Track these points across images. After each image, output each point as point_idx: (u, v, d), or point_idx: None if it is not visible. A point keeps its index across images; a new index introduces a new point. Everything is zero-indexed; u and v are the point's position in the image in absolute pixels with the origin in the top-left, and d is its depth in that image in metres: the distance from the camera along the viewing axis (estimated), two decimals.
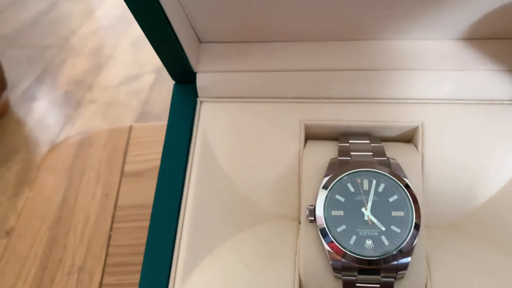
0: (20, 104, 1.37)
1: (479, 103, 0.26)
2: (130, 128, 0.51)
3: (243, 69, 0.27)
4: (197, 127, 0.27)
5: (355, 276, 0.22)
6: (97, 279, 0.36)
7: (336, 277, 0.23)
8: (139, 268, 0.30)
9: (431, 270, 0.23)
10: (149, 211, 0.41)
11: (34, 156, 1.18)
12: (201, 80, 0.27)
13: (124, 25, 1.81)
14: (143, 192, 0.42)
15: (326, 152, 0.25)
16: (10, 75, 1.39)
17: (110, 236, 0.40)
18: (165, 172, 0.26)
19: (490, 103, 0.26)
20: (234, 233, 0.25)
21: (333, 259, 0.22)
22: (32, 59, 1.59)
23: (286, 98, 0.27)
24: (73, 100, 1.38)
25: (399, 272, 0.22)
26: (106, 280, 0.36)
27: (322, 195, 0.23)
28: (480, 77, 0.25)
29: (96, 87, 1.43)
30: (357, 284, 0.22)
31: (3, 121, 1.29)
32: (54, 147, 0.50)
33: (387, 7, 0.23)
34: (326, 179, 0.24)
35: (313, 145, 0.26)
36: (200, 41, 0.28)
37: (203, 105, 0.28)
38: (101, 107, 1.34)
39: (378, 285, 0.22)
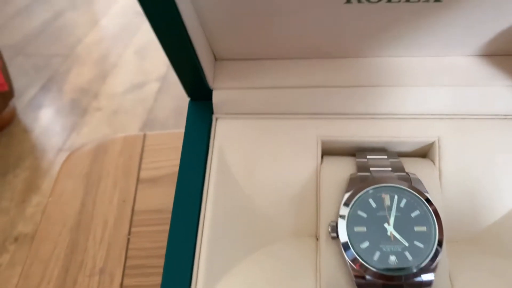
0: (27, 112, 1.39)
1: (494, 118, 0.26)
2: (144, 136, 0.53)
3: (258, 86, 0.28)
4: (213, 144, 0.27)
5: None
6: (117, 280, 0.38)
7: None
8: (158, 270, 0.32)
9: (454, 286, 0.23)
10: (165, 215, 0.42)
11: (41, 163, 1.20)
12: (217, 97, 0.28)
13: (129, 34, 1.84)
14: (159, 198, 0.44)
15: (343, 167, 0.25)
16: (16, 83, 1.41)
17: (128, 239, 0.41)
18: (182, 189, 0.26)
19: (505, 118, 0.26)
20: (252, 250, 0.25)
21: (356, 276, 0.22)
22: (38, 67, 1.61)
23: (302, 114, 0.28)
24: (79, 108, 1.40)
25: (424, 286, 0.22)
26: (126, 281, 0.38)
27: (344, 211, 0.23)
28: (495, 92, 0.26)
29: (101, 95, 1.45)
30: None
31: (10, 128, 1.31)
32: (71, 154, 0.52)
33: (404, 25, 0.24)
34: (347, 195, 0.24)
35: (331, 161, 0.26)
36: (216, 59, 0.28)
37: (219, 121, 0.28)
38: (107, 115, 1.36)
39: None
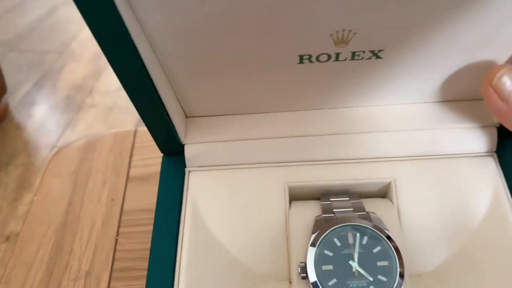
0: (20, 108, 1.37)
1: (443, 158, 0.29)
2: (135, 132, 0.51)
3: (227, 139, 0.30)
4: (187, 196, 0.29)
5: None
6: (104, 284, 0.36)
7: None
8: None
9: None
10: None
11: (34, 161, 1.18)
12: (189, 151, 0.30)
13: None
14: (150, 196, 0.42)
15: (310, 211, 0.27)
16: (9, 80, 1.39)
17: (116, 240, 0.39)
18: (157, 240, 0.27)
19: (453, 157, 0.29)
20: None
21: None
22: (32, 63, 1.59)
23: (269, 163, 0.30)
24: (73, 105, 1.38)
25: None
26: (114, 285, 0.36)
27: (312, 251, 0.25)
28: (442, 134, 0.29)
29: (96, 91, 1.43)
30: None
31: (2, 125, 1.29)
32: (59, 150, 0.50)
33: (354, 80, 0.27)
34: (313, 236, 0.25)
35: (298, 205, 0.28)
36: (186, 116, 0.31)
37: (191, 174, 0.30)
38: (102, 112, 1.33)
39: None
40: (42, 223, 0.41)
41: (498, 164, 0.28)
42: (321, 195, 0.29)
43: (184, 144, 0.30)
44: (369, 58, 0.25)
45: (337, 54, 0.25)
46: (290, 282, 0.26)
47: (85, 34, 1.79)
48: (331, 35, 0.23)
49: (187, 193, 0.29)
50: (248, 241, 0.28)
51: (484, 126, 0.29)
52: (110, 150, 0.49)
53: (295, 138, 0.30)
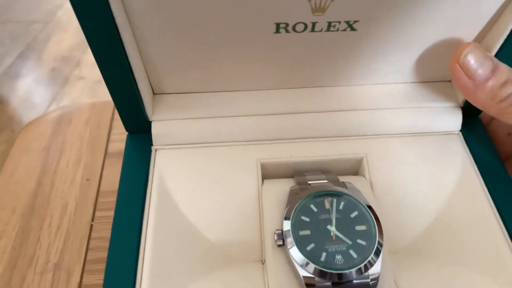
0: (3, 81, 1.30)
1: (414, 135, 0.30)
2: None
3: (197, 116, 0.29)
4: (153, 173, 0.27)
5: None
6: (76, 278, 0.31)
7: None
8: None
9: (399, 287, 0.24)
10: None
11: None
12: (156, 128, 0.28)
13: None
14: None
15: (284, 186, 0.26)
16: None
17: (91, 226, 0.34)
18: (120, 218, 0.26)
19: (423, 135, 0.30)
20: (197, 277, 0.24)
21: (306, 279, 0.22)
22: (15, 35, 1.50)
23: (241, 141, 0.29)
24: (60, 77, 1.30)
25: (372, 282, 0.22)
26: (87, 279, 0.31)
27: (287, 219, 0.24)
28: (413, 113, 0.30)
29: (84, 63, 1.36)
30: None
31: None
32: (29, 124, 0.44)
33: (329, 54, 0.27)
34: (289, 205, 0.25)
35: (271, 182, 0.28)
36: (154, 93, 0.29)
37: (158, 152, 0.29)
38: (90, 85, 1.26)
39: None
40: (5, 207, 0.35)
41: (464, 141, 0.30)
42: (295, 172, 0.29)
43: (151, 121, 0.28)
44: (344, 30, 0.25)
45: (314, 24, 0.25)
46: (263, 263, 0.25)
47: None
48: (309, 1, 0.23)
49: (153, 171, 0.28)
50: (219, 220, 0.27)
51: (450, 107, 0.30)
52: (86, 123, 0.43)
53: (267, 116, 0.29)
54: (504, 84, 0.25)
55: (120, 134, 0.41)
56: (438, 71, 0.29)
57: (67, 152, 0.40)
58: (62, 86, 1.27)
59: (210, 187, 0.28)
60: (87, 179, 0.37)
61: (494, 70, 0.25)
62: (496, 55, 0.26)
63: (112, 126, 0.42)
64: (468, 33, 0.27)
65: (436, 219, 0.27)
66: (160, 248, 0.25)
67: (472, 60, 0.25)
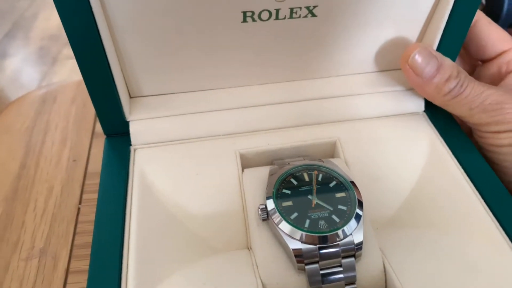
0: None
1: (382, 117, 0.32)
2: None
3: (173, 114, 0.30)
4: (133, 172, 0.28)
5: (317, 263, 0.23)
6: (63, 264, 0.29)
7: (299, 269, 0.23)
8: None
9: (385, 255, 0.24)
10: None
11: None
12: (134, 128, 0.29)
13: None
14: None
15: (264, 172, 0.27)
16: None
17: (79, 209, 0.32)
18: (102, 214, 0.25)
19: (390, 116, 0.32)
20: (182, 265, 0.24)
21: (293, 246, 0.23)
22: (1, 12, 1.46)
23: (219, 135, 0.30)
24: (48, 57, 1.27)
25: (356, 248, 0.23)
26: (74, 265, 0.29)
27: (270, 191, 0.25)
28: (379, 98, 0.32)
29: None
30: (321, 272, 0.23)
31: None
32: (11, 103, 0.42)
33: (295, 43, 0.29)
34: (270, 181, 0.26)
35: (251, 170, 0.28)
36: (130, 96, 0.30)
37: (137, 151, 0.29)
38: None
39: (341, 268, 0.23)
40: None
41: (428, 119, 0.32)
42: (274, 159, 0.30)
43: (128, 122, 0.29)
44: (306, 16, 0.27)
45: (277, 11, 0.26)
46: (249, 249, 0.26)
47: None
48: None
49: (134, 170, 0.28)
50: (201, 208, 0.27)
51: (413, 90, 0.32)
52: (72, 101, 0.41)
53: (243, 109, 0.30)
54: (448, 80, 0.28)
55: None
56: (398, 60, 0.30)
57: (52, 132, 0.38)
58: (51, 65, 1.24)
59: (191, 179, 0.28)
60: (74, 160, 0.36)
61: (438, 68, 0.28)
62: (438, 48, 0.29)
63: None
64: (417, 30, 0.30)
65: (412, 190, 0.29)
66: (143, 240, 0.24)
67: (419, 59, 0.28)
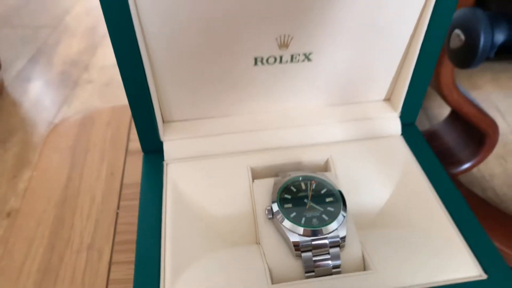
0: (15, 85, 1.35)
1: (366, 139, 0.38)
2: None
3: (197, 135, 0.37)
4: (166, 181, 0.34)
5: (311, 251, 0.29)
6: (106, 256, 0.36)
7: (297, 256, 0.29)
8: None
9: (364, 246, 0.31)
10: None
11: (32, 137, 1.17)
12: (167, 146, 0.36)
13: None
14: None
15: (270, 182, 0.34)
16: (3, 56, 1.37)
17: (117, 214, 0.39)
18: (144, 214, 0.32)
19: (373, 138, 0.38)
20: (205, 254, 0.31)
21: (293, 239, 0.29)
22: (26, 39, 1.56)
23: (234, 152, 0.37)
24: (69, 81, 1.36)
25: (341, 240, 0.29)
26: (116, 257, 0.36)
27: (275, 196, 0.31)
28: (363, 123, 0.38)
29: (92, 67, 1.41)
30: (313, 258, 0.29)
31: None
32: (56, 126, 0.49)
33: (296, 82, 0.36)
34: (274, 189, 0.32)
35: (260, 181, 0.34)
36: (163, 121, 0.37)
37: (169, 165, 0.36)
38: (98, 87, 1.32)
39: (329, 256, 0.29)
40: (41, 198, 0.41)
41: (405, 141, 0.38)
42: (278, 172, 0.35)
43: (162, 141, 0.36)
44: (303, 61, 0.34)
45: (281, 57, 0.33)
46: (258, 243, 0.32)
47: (79, 8, 1.75)
48: (276, 38, 0.32)
49: (167, 180, 0.34)
50: (220, 210, 0.33)
51: (392, 117, 0.38)
52: (107, 124, 0.48)
53: (254, 132, 0.37)
54: None
55: None
56: (381, 93, 0.38)
57: (92, 151, 0.45)
58: (72, 89, 1.32)
59: (212, 187, 0.34)
60: (111, 174, 0.43)
61: None
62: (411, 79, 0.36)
63: (131, 127, 0.47)
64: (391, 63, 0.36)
65: (387, 201, 0.35)
66: (176, 235, 0.31)
67: None
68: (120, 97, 1.26)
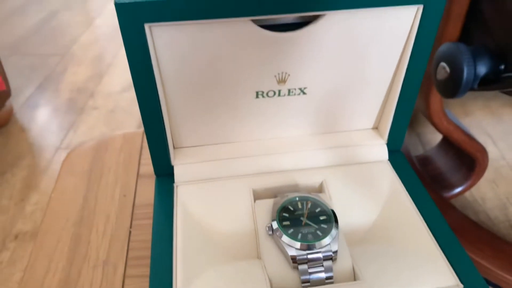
0: (24, 111, 1.40)
1: (356, 164, 0.42)
2: (143, 133, 0.55)
3: (204, 160, 0.41)
4: (177, 201, 0.38)
5: (306, 263, 0.32)
6: (120, 271, 0.39)
7: (294, 268, 0.32)
8: None
9: (353, 259, 0.34)
10: None
11: (39, 162, 1.21)
12: (177, 170, 0.40)
13: None
14: None
15: (270, 203, 0.37)
16: (12, 83, 1.42)
17: (130, 232, 0.43)
18: (157, 230, 0.36)
19: (363, 163, 0.42)
20: (212, 267, 0.34)
21: (290, 253, 0.32)
22: (34, 67, 1.62)
23: (238, 175, 0.40)
24: (76, 107, 1.41)
25: (333, 254, 0.32)
26: (129, 272, 0.39)
27: (274, 215, 0.35)
28: (354, 150, 0.42)
29: (98, 94, 1.46)
30: (309, 270, 0.32)
31: (7, 128, 1.32)
32: (72, 151, 0.54)
33: (293, 111, 0.40)
34: (274, 208, 0.36)
35: (261, 201, 0.38)
36: (174, 147, 0.41)
37: (179, 187, 0.40)
38: (104, 114, 1.36)
39: (323, 268, 0.32)
40: (60, 217, 0.44)
41: (391, 166, 0.42)
42: (277, 193, 0.38)
43: (173, 166, 0.40)
44: (299, 94, 0.38)
45: (279, 91, 0.38)
46: (259, 259, 0.35)
47: (86, 37, 1.82)
48: (275, 76, 0.36)
49: (177, 200, 0.38)
50: (225, 227, 0.37)
51: (379, 144, 0.43)
52: (120, 150, 0.52)
53: (255, 157, 0.41)
54: None
55: (148, 159, 0.50)
56: (369, 123, 0.43)
57: (106, 174, 0.49)
58: (78, 115, 1.37)
59: (217, 207, 0.38)
60: (124, 195, 0.46)
61: None
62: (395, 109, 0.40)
63: (142, 153, 0.51)
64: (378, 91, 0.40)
65: (375, 220, 0.38)
66: (186, 249, 0.34)
67: None
68: (124, 123, 1.31)
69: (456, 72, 0.59)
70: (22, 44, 1.76)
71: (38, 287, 0.38)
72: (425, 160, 1.05)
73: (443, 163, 1.03)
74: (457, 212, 0.95)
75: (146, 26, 0.31)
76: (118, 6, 0.30)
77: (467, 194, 1.04)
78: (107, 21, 1.95)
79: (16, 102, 1.42)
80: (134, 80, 0.34)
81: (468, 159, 0.97)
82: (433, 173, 1.02)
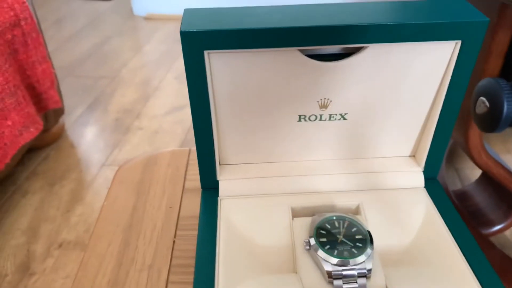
0: (74, 128, 1.49)
1: (392, 189, 0.44)
2: (189, 151, 0.58)
3: (247, 177, 0.43)
4: (220, 214, 0.41)
5: (341, 279, 0.33)
6: (164, 276, 0.42)
7: (329, 283, 0.34)
8: None
9: (387, 280, 0.35)
10: None
11: (86, 176, 1.28)
12: (222, 185, 0.43)
13: (169, 60, 1.94)
14: None
15: (307, 221, 0.39)
16: (66, 102, 1.52)
17: (174, 241, 0.46)
18: (202, 243, 0.38)
19: (399, 189, 0.44)
20: (250, 278, 0.36)
21: (326, 268, 0.34)
22: (86, 88, 1.73)
23: (278, 193, 0.43)
24: (122, 127, 1.49)
25: (367, 272, 0.33)
26: (172, 278, 0.42)
27: (312, 231, 0.37)
28: (390, 176, 0.44)
29: (143, 115, 1.54)
30: (343, 286, 0.33)
31: (59, 143, 1.41)
32: (124, 164, 0.58)
33: (333, 137, 0.43)
34: (311, 225, 0.37)
35: (299, 219, 0.40)
36: (220, 164, 0.44)
37: (223, 201, 0.42)
38: (148, 134, 1.43)
39: (357, 285, 0.33)
40: (111, 223, 0.48)
41: (427, 193, 0.43)
42: (315, 212, 0.40)
43: (218, 181, 0.43)
44: (339, 119, 0.41)
45: (321, 116, 0.40)
46: (295, 273, 0.37)
47: (135, 62, 1.93)
48: (317, 101, 0.39)
49: (221, 213, 0.41)
50: (265, 241, 0.39)
51: (416, 171, 0.44)
52: (168, 165, 0.56)
53: (295, 177, 0.43)
54: None
55: (194, 175, 0.54)
56: (407, 150, 0.44)
57: (154, 186, 0.53)
58: (124, 134, 1.45)
59: (258, 221, 0.40)
60: (170, 207, 0.50)
61: None
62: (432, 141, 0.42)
63: (188, 168, 0.55)
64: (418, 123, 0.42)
65: (410, 243, 0.39)
66: (228, 259, 0.37)
67: None
68: (167, 143, 1.36)
69: (496, 106, 0.59)
70: (77, 66, 1.89)
71: (90, 285, 0.41)
72: (463, 195, 1.04)
73: (482, 199, 1.01)
74: (497, 250, 0.92)
75: (205, 53, 0.35)
76: (183, 34, 0.34)
77: (507, 232, 1.01)
78: (155, 48, 2.07)
79: (68, 119, 1.52)
80: (191, 100, 0.37)
81: (508, 196, 0.94)
82: (471, 208, 1.00)
